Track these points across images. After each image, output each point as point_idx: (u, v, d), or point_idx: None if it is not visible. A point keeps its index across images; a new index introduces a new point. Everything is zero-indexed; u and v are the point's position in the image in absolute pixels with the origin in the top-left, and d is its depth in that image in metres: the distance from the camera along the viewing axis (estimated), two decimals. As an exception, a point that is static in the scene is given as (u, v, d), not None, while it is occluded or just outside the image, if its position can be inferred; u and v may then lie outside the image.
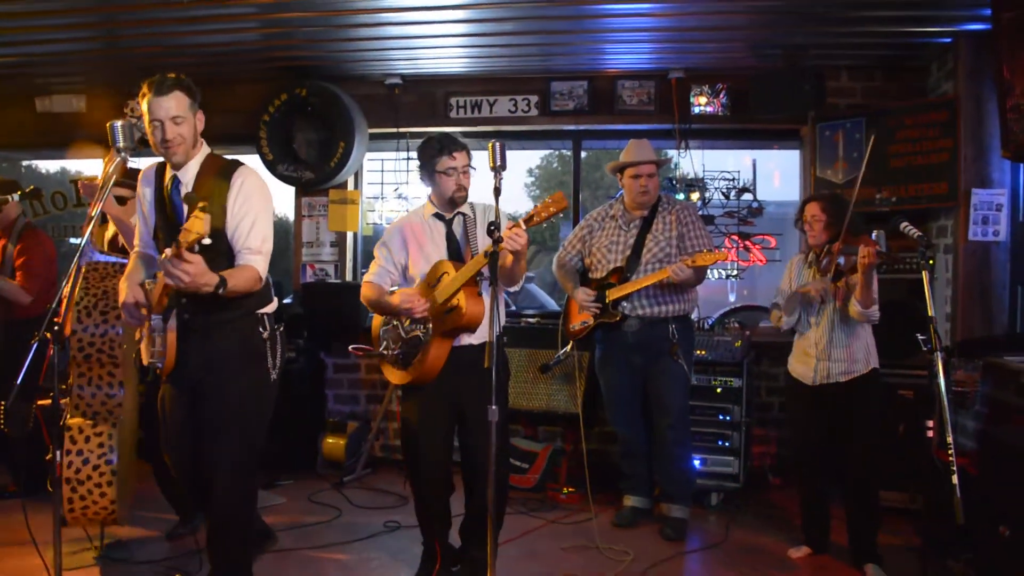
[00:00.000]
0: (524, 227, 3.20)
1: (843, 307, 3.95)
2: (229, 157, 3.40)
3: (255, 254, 3.22)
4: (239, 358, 3.29)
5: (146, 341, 3.25)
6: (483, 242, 3.56)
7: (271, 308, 3.44)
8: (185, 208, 2.99)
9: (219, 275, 2.99)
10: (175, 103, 3.16)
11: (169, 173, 3.30)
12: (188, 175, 3.27)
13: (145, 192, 3.38)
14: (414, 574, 3.85)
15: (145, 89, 3.18)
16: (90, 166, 6.40)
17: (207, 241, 2.77)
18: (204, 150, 3.34)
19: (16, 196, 5.04)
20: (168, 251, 2.80)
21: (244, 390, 3.29)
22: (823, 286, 3.98)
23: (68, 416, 3.70)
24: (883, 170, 5.33)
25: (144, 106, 3.19)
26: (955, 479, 3.30)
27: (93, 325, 3.76)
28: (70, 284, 3.79)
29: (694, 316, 4.94)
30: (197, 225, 2.71)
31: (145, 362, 3.25)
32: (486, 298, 3.45)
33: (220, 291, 2.99)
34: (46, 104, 6.60)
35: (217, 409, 3.25)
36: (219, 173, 3.26)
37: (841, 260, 3.82)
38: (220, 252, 3.16)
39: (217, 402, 3.25)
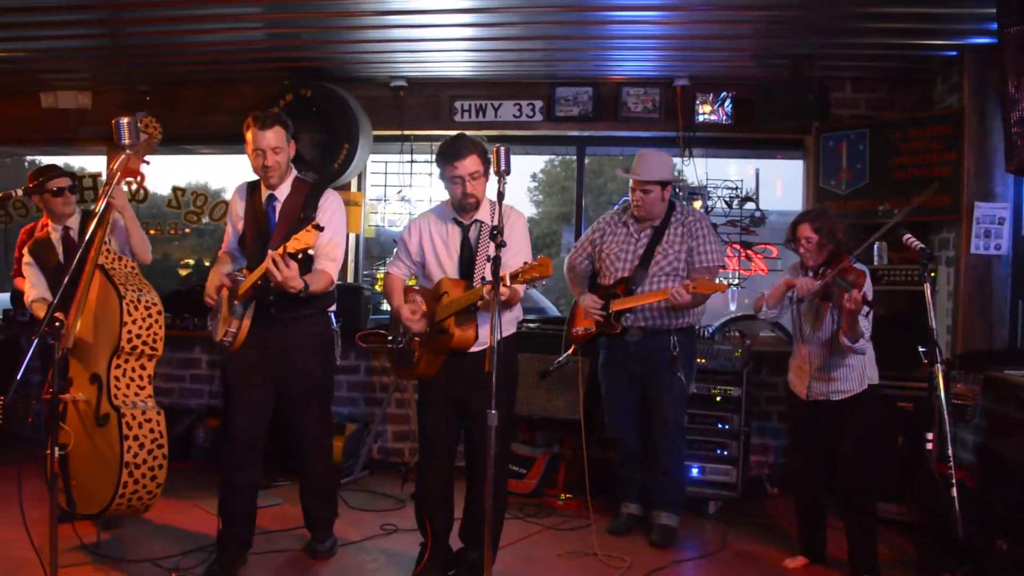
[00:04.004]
0: (509, 283, 3.20)
1: (835, 331, 3.92)
2: (310, 180, 4.09)
3: (331, 261, 3.85)
4: (317, 347, 3.99)
5: (223, 321, 3.79)
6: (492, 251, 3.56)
7: (334, 307, 4.11)
8: (276, 220, 3.82)
9: (304, 280, 3.54)
10: (275, 135, 3.74)
11: (265, 192, 3.88)
12: (282, 193, 3.87)
13: (237, 205, 3.98)
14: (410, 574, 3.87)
15: (250, 122, 3.74)
16: (94, 163, 6.41)
17: (312, 252, 3.40)
18: (293, 174, 3.94)
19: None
20: (276, 252, 3.38)
21: (322, 372, 4.02)
22: (811, 286, 3.92)
23: (106, 407, 3.77)
24: (886, 182, 5.34)
25: (248, 136, 3.75)
26: (954, 492, 3.31)
27: (141, 319, 3.85)
28: (85, 279, 3.82)
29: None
30: (308, 238, 3.28)
31: (217, 339, 3.80)
32: (485, 312, 3.53)
33: (301, 294, 3.58)
34: (51, 100, 6.59)
35: (304, 389, 3.95)
36: (309, 193, 3.89)
37: (833, 289, 3.78)
38: (306, 262, 3.65)
39: (304, 383, 3.94)
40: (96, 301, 3.88)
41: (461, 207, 3.67)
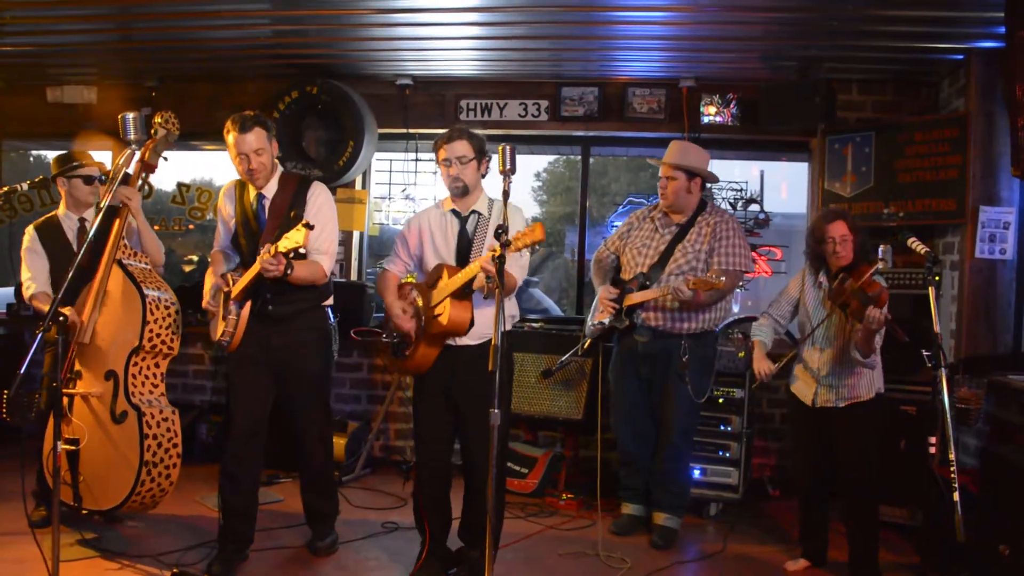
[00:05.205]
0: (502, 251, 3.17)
1: (848, 340, 3.90)
2: (298, 173, 4.11)
3: (323, 255, 3.86)
4: (315, 343, 4.02)
5: (220, 321, 3.82)
6: (491, 244, 3.57)
7: (331, 301, 4.14)
8: (266, 218, 3.81)
9: (290, 265, 3.53)
10: (255, 138, 3.72)
11: (253, 191, 3.87)
12: (270, 191, 3.86)
13: (227, 206, 3.99)
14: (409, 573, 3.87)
15: (229, 126, 3.71)
16: (99, 158, 6.41)
17: (303, 251, 3.36)
18: (279, 170, 3.94)
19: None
20: (268, 249, 3.42)
21: (321, 368, 4.08)
22: (770, 371, 4.06)
23: (123, 404, 3.80)
24: (891, 185, 5.33)
25: (230, 140, 3.72)
26: (956, 496, 3.30)
27: (161, 318, 3.90)
28: (102, 273, 3.83)
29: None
30: (298, 237, 3.29)
31: (215, 338, 3.85)
32: (480, 305, 3.55)
33: (288, 272, 3.53)
34: (57, 94, 6.60)
35: (303, 385, 3.99)
36: (297, 189, 3.88)
37: (852, 301, 3.72)
38: (297, 254, 3.64)
39: (302, 379, 3.97)
40: (117, 297, 3.89)
41: (451, 191, 3.72)
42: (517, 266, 3.56)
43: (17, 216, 6.63)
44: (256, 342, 3.87)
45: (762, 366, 4.08)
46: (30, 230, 4.36)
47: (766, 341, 4.21)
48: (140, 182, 4.04)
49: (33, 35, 5.54)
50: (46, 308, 4.12)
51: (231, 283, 3.85)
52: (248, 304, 3.84)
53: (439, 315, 3.53)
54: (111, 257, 3.87)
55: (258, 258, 3.51)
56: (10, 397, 3.38)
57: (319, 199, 3.91)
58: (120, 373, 3.81)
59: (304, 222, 3.32)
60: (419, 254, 3.84)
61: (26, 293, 4.28)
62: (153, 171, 4.07)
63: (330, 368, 4.20)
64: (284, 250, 3.35)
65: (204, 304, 3.90)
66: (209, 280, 3.94)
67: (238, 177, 3.95)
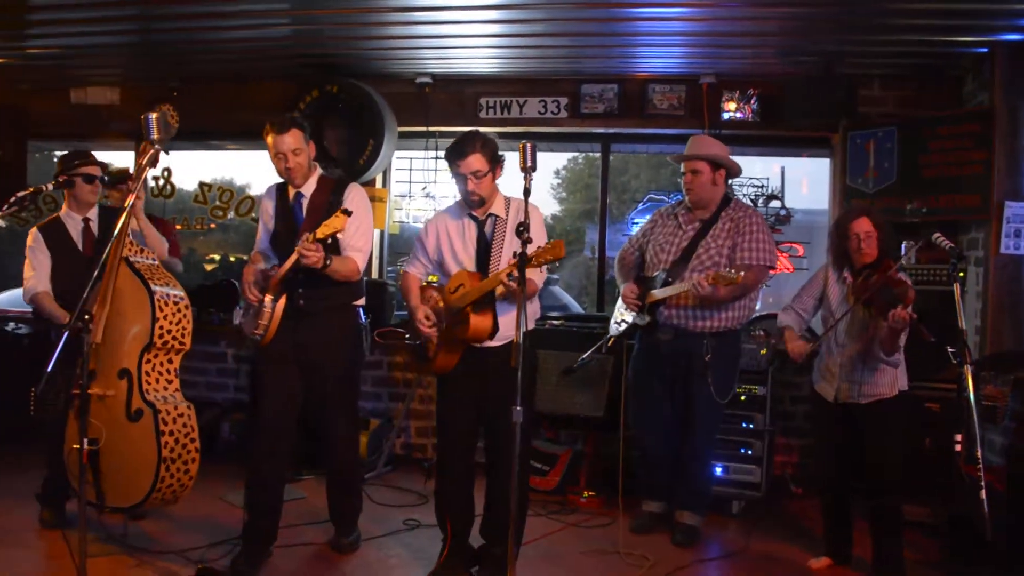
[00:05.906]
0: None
1: (872, 337, 3.86)
2: (335, 176, 4.20)
3: (357, 251, 3.93)
4: (345, 341, 4.07)
5: (253, 316, 3.89)
6: (510, 246, 3.57)
7: (362, 301, 4.17)
8: (304, 216, 3.90)
9: (328, 257, 3.64)
10: (292, 138, 3.84)
11: (292, 191, 3.97)
12: (308, 190, 3.96)
13: (267, 205, 4.08)
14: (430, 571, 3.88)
15: (268, 128, 3.85)
16: (121, 158, 6.48)
17: (340, 236, 3.59)
18: (317, 172, 4.03)
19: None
20: (307, 237, 3.51)
21: (349, 367, 4.14)
22: (804, 351, 4.01)
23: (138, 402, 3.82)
24: (915, 180, 5.28)
25: (269, 141, 3.86)
26: (983, 494, 3.27)
27: (171, 314, 3.91)
28: (110, 272, 3.86)
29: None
30: (337, 223, 3.45)
31: (248, 333, 3.92)
32: (504, 307, 3.57)
33: (327, 264, 3.64)
34: (81, 96, 6.69)
35: (331, 383, 4.01)
36: (334, 189, 3.97)
37: (877, 299, 3.68)
38: (333, 249, 3.82)
39: (331, 378, 4.00)
40: (125, 295, 3.90)
41: (469, 205, 3.71)
42: (537, 274, 3.56)
43: (42, 216, 6.71)
44: (287, 339, 3.89)
45: (795, 346, 4.06)
46: (34, 231, 4.39)
47: (794, 327, 4.19)
48: (163, 181, 4.08)
49: (58, 37, 5.60)
50: (48, 307, 4.15)
51: (268, 276, 3.86)
52: (283, 299, 3.86)
53: (462, 322, 3.55)
54: (117, 256, 3.89)
55: (297, 247, 3.55)
56: (37, 394, 3.42)
57: (355, 198, 3.97)
58: (133, 371, 3.82)
59: (343, 208, 3.46)
60: (438, 258, 3.84)
61: (28, 289, 4.28)
62: (155, 166, 4.09)
63: (359, 368, 4.23)
64: (322, 236, 3.46)
65: (247, 294, 3.91)
66: (248, 273, 3.96)
67: (276, 181, 4.05)
